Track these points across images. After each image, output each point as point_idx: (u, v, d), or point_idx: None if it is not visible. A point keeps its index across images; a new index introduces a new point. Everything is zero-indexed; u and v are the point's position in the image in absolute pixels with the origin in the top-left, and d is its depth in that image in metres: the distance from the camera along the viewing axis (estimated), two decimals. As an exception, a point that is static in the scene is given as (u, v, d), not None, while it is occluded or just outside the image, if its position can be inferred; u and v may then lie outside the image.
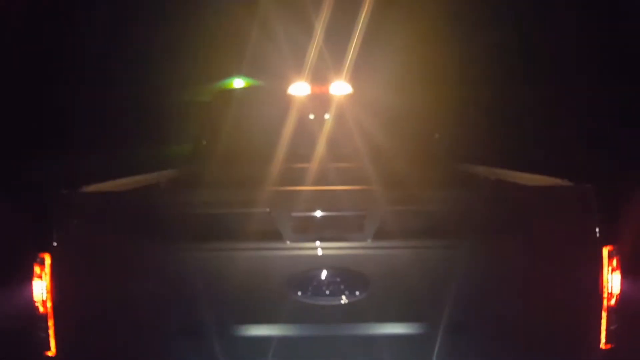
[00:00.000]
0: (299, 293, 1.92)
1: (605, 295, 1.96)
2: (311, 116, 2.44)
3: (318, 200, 2.06)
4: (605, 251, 1.96)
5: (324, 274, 1.94)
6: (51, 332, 1.98)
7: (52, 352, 1.98)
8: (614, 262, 1.97)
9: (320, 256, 1.96)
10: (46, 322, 1.98)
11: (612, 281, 1.97)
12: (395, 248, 1.96)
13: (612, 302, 1.97)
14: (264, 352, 1.97)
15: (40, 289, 1.97)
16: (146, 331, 1.99)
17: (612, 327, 1.96)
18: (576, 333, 1.97)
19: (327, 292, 1.93)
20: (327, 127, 2.33)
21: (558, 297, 1.94)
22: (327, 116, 2.63)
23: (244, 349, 2.00)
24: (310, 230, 2.00)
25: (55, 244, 1.97)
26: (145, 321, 1.98)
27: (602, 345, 1.97)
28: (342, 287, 1.93)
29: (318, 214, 2.01)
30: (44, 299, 1.96)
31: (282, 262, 1.95)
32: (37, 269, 1.97)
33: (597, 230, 1.98)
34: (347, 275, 1.93)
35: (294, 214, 1.98)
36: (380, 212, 1.97)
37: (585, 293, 1.97)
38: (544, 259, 1.97)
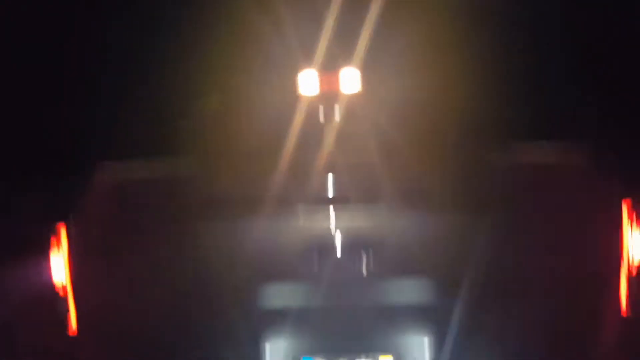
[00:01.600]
0: (314, 259, 1.93)
1: (625, 258, 1.94)
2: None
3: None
4: (624, 206, 1.91)
5: (337, 240, 1.95)
6: (72, 310, 2.03)
7: (73, 331, 2.03)
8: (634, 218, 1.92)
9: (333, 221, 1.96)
10: (66, 300, 2.03)
11: (634, 241, 1.93)
12: (409, 214, 1.95)
13: (634, 266, 1.94)
14: (278, 319, 1.98)
15: (58, 264, 2.01)
16: (167, 306, 1.99)
17: (634, 293, 1.93)
18: (596, 299, 1.93)
19: (343, 258, 1.95)
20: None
21: (575, 259, 1.89)
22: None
23: (262, 317, 2.00)
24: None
25: (74, 216, 2.00)
26: (166, 295, 1.99)
27: (623, 314, 1.95)
28: (356, 251, 1.94)
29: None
30: (63, 275, 2.00)
31: (294, 232, 1.96)
32: (54, 242, 2.00)
33: (615, 185, 1.95)
34: (360, 239, 1.94)
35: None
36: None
37: (605, 255, 1.93)
38: (560, 219, 1.93)
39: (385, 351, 2.12)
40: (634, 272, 1.90)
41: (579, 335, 1.95)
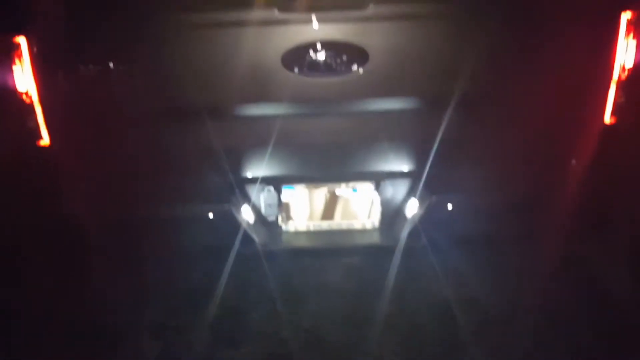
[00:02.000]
0: (295, 69, 1.83)
1: (617, 66, 1.88)
2: None
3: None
4: (624, 17, 1.84)
5: (320, 48, 1.81)
6: (41, 119, 1.94)
7: (45, 141, 1.96)
8: (632, 31, 1.86)
9: (316, 29, 1.81)
10: (34, 111, 1.94)
11: (628, 51, 1.86)
12: (396, 18, 1.81)
13: (624, 74, 1.89)
14: (261, 132, 1.93)
15: (21, 75, 1.88)
16: (140, 117, 1.92)
17: (619, 101, 1.92)
18: (582, 104, 1.91)
19: (325, 67, 1.82)
20: None
21: (567, 65, 1.83)
22: None
23: (240, 129, 1.96)
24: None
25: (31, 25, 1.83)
26: (138, 106, 1.91)
27: (606, 120, 1.95)
28: (340, 61, 1.83)
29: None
30: (27, 83, 1.88)
31: (274, 37, 1.81)
32: (14, 55, 1.86)
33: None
34: (345, 48, 1.80)
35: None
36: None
37: (597, 62, 1.87)
38: (554, 26, 1.83)
39: (365, 179, 2.16)
40: (624, 77, 1.87)
41: (562, 141, 1.96)
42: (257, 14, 1.79)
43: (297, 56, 1.81)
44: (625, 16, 1.83)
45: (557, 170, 2.04)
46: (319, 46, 1.81)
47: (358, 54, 1.81)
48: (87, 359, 2.10)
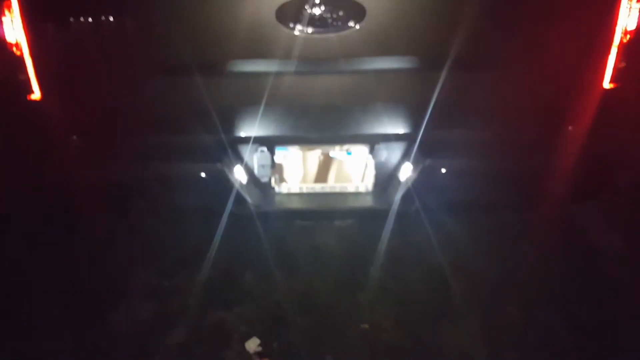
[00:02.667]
0: (290, 25, 1.78)
1: (618, 29, 1.84)
2: None
3: None
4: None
5: (316, 2, 1.75)
6: (31, 72, 1.91)
7: (36, 95, 1.93)
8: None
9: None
10: (24, 63, 1.90)
11: (629, 14, 1.82)
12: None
13: (625, 38, 1.85)
14: (254, 90, 1.89)
15: (10, 27, 1.84)
16: (131, 72, 1.89)
17: (619, 66, 1.88)
18: (581, 69, 1.88)
19: (320, 23, 1.78)
20: None
21: (567, 27, 1.79)
22: None
23: (233, 87, 1.93)
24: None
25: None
26: (130, 61, 1.87)
27: (606, 85, 1.92)
28: (336, 16, 1.78)
29: None
30: (17, 34, 1.84)
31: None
32: (3, 5, 1.82)
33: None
34: (342, 2, 1.75)
35: None
36: None
37: (596, 26, 1.82)
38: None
39: (359, 142, 2.13)
40: (626, 41, 1.83)
41: (560, 106, 1.93)
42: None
43: (293, 11, 1.76)
44: (629, -23, 1.79)
45: (554, 136, 2.02)
46: (315, 0, 1.77)
47: (355, 9, 1.76)
48: (80, 321, 2.11)
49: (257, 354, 2.02)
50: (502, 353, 1.98)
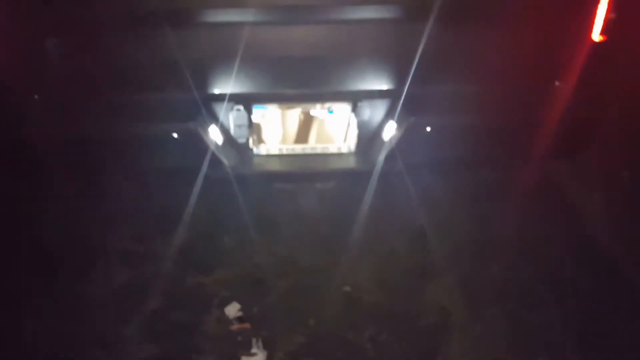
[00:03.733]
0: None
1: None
2: None
3: None
4: None
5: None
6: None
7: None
8: None
9: None
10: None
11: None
12: None
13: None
14: (228, 43, 1.75)
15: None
16: (95, 24, 1.70)
17: (609, 17, 1.81)
18: (569, 21, 1.79)
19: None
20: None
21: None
22: None
23: (205, 39, 1.79)
24: None
25: None
26: (92, 11, 1.68)
27: (595, 37, 1.86)
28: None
29: None
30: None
31: None
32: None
33: None
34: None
35: None
36: None
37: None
38: None
39: (341, 99, 2.02)
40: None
41: (547, 60, 1.86)
42: None
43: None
44: None
45: (539, 92, 1.96)
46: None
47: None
48: (53, 286, 2.03)
49: (238, 318, 1.98)
50: (481, 309, 1.98)
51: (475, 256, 2.19)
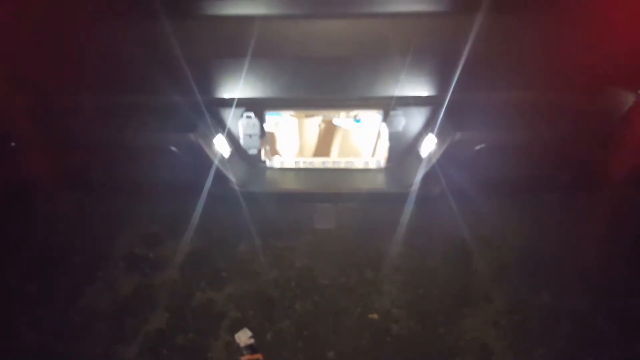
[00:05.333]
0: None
1: None
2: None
3: None
4: None
5: None
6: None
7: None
8: None
9: None
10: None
11: None
12: None
13: None
14: (238, 39, 1.48)
15: None
16: (86, 13, 1.46)
17: None
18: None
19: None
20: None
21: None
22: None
23: (211, 34, 1.49)
24: None
25: None
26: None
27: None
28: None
29: None
30: None
31: None
32: None
33: None
34: None
35: None
36: None
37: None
38: None
39: (370, 107, 1.73)
40: None
41: (624, 68, 1.50)
42: None
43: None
44: None
45: (612, 104, 1.62)
46: None
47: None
48: (60, 291, 1.92)
49: (248, 347, 1.77)
50: (528, 348, 1.72)
51: (524, 283, 1.92)
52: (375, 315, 1.84)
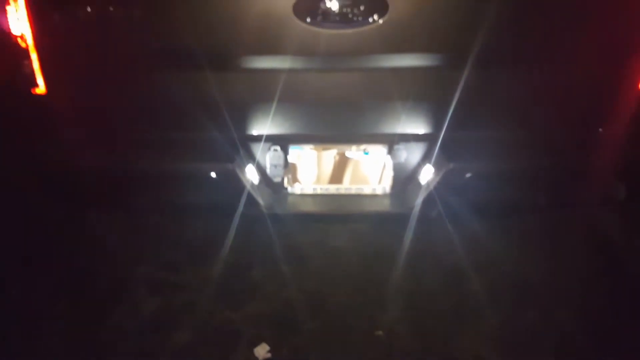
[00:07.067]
0: (308, 19, 1.68)
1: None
2: None
3: None
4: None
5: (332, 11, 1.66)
6: (36, 65, 1.83)
7: (41, 89, 1.86)
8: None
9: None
10: (29, 56, 1.83)
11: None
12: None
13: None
14: (268, 87, 1.80)
15: (16, 18, 1.77)
16: (139, 65, 1.80)
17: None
18: (615, 69, 1.76)
19: (340, 17, 1.68)
20: None
21: (601, 27, 1.69)
22: None
23: (246, 82, 1.83)
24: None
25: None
26: (137, 53, 1.78)
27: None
28: (357, 11, 1.69)
29: None
30: (23, 26, 1.76)
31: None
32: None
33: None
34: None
35: None
36: None
37: (635, 23, 1.71)
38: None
39: (377, 142, 2.02)
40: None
41: (589, 106, 1.83)
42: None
43: (311, 4, 1.65)
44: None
45: (582, 137, 1.91)
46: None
47: (376, 4, 1.65)
48: (84, 314, 2.08)
49: None
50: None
51: (515, 302, 2.13)
52: (380, 332, 2.05)
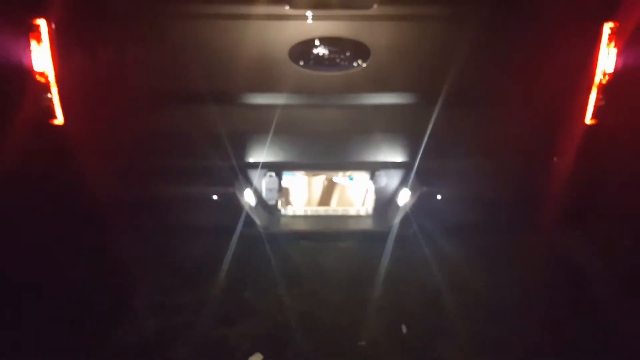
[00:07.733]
0: (301, 62, 1.94)
1: (598, 71, 2.02)
2: None
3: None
4: (606, 27, 1.98)
5: (326, 43, 1.93)
6: (56, 99, 2.03)
7: (59, 120, 2.05)
8: (613, 40, 2.00)
9: (323, 25, 1.93)
10: (49, 89, 2.02)
11: (609, 57, 2.01)
12: (399, 18, 1.93)
13: (605, 79, 2.04)
14: (265, 120, 2.04)
15: (39, 56, 1.97)
16: (150, 100, 2.03)
17: (600, 104, 2.06)
18: (564, 107, 2.07)
19: (329, 62, 1.95)
20: None
21: (552, 71, 1.98)
22: None
23: (246, 116, 2.08)
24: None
25: (51, 7, 1.92)
26: (149, 90, 2.02)
27: (588, 121, 2.09)
28: (343, 57, 1.96)
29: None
30: (45, 67, 1.96)
31: (284, 31, 1.93)
32: (33, 36, 1.95)
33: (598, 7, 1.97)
34: (349, 44, 1.93)
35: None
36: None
37: (579, 68, 2.02)
38: (543, 32, 1.97)
39: (361, 169, 2.28)
40: (605, 82, 2.01)
41: (546, 138, 2.11)
42: (269, 9, 1.90)
43: (304, 50, 1.93)
44: (608, 26, 1.98)
45: (540, 167, 2.19)
46: (324, 42, 1.93)
47: (361, 50, 1.93)
48: (84, 335, 2.15)
49: None
50: None
51: (486, 316, 2.32)
52: (363, 343, 2.18)
